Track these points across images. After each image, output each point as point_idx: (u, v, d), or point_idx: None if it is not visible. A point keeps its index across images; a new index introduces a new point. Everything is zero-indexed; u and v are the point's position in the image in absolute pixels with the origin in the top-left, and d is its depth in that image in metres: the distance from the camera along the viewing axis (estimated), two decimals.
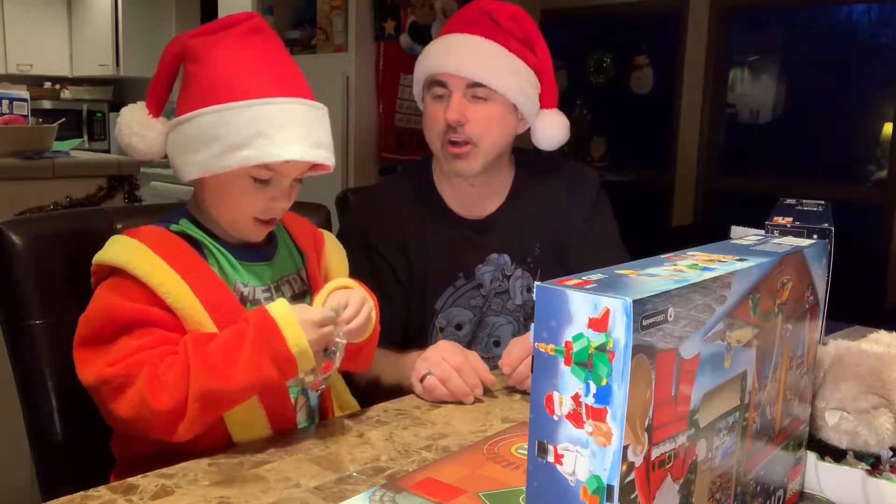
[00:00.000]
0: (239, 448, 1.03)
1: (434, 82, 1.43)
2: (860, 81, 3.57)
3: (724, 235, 0.98)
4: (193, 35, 1.10)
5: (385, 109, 3.60)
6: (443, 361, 1.22)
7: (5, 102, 2.68)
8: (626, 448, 0.54)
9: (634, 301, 0.53)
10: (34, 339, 1.12)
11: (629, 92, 4.20)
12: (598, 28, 4.40)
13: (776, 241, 0.82)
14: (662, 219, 4.02)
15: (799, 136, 3.74)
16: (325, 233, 1.30)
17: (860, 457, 0.92)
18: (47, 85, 6.06)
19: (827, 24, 3.76)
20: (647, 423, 0.56)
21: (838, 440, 0.91)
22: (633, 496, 0.56)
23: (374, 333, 1.16)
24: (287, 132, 1.05)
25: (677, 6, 3.93)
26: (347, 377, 1.30)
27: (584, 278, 0.59)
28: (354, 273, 1.28)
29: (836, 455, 0.92)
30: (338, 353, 1.05)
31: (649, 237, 2.29)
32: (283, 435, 1.08)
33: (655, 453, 0.58)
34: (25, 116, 2.72)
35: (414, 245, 1.49)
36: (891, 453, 0.92)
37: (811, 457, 0.90)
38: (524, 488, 0.59)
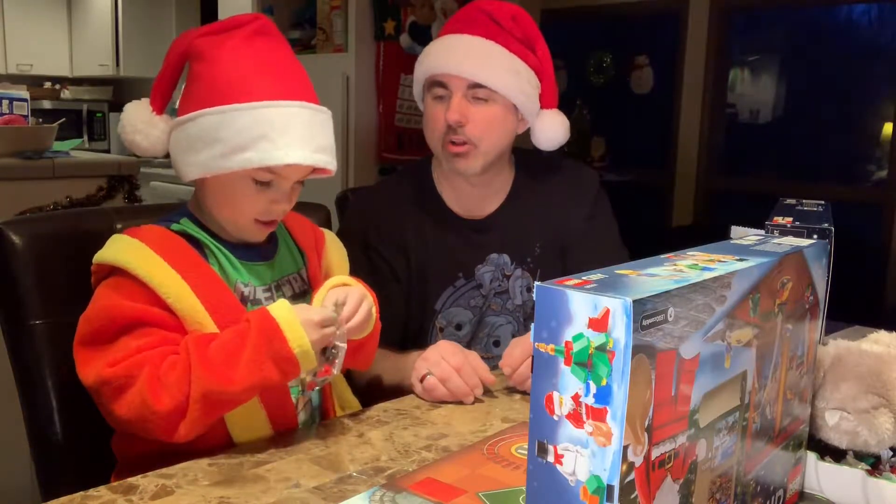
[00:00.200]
0: (239, 448, 1.03)
1: (434, 83, 1.43)
2: (860, 81, 3.57)
3: (724, 235, 0.98)
4: (200, 34, 1.10)
5: (385, 109, 3.60)
6: (443, 361, 1.22)
7: (5, 102, 2.68)
8: (626, 448, 0.55)
9: (634, 301, 0.53)
10: (34, 339, 1.11)
11: (629, 92, 4.20)
12: (598, 28, 4.40)
13: (776, 241, 0.82)
14: (662, 219, 4.02)
15: (799, 136, 3.74)
16: (326, 231, 1.30)
17: (860, 457, 0.92)
18: (47, 85, 6.05)
19: (827, 24, 3.76)
20: (647, 423, 0.56)
21: (838, 440, 0.91)
22: (633, 496, 0.56)
23: (374, 330, 1.16)
24: (290, 136, 1.04)
25: (677, 6, 3.93)
26: (348, 376, 1.30)
27: (584, 278, 0.59)
28: (354, 273, 1.28)
29: (836, 455, 0.92)
30: (339, 356, 1.05)
31: (649, 237, 2.29)
32: (283, 435, 1.08)
33: (655, 453, 0.58)
34: (25, 116, 2.72)
35: (414, 245, 1.49)
36: (891, 453, 0.92)
37: (811, 457, 0.90)
38: (524, 488, 0.59)
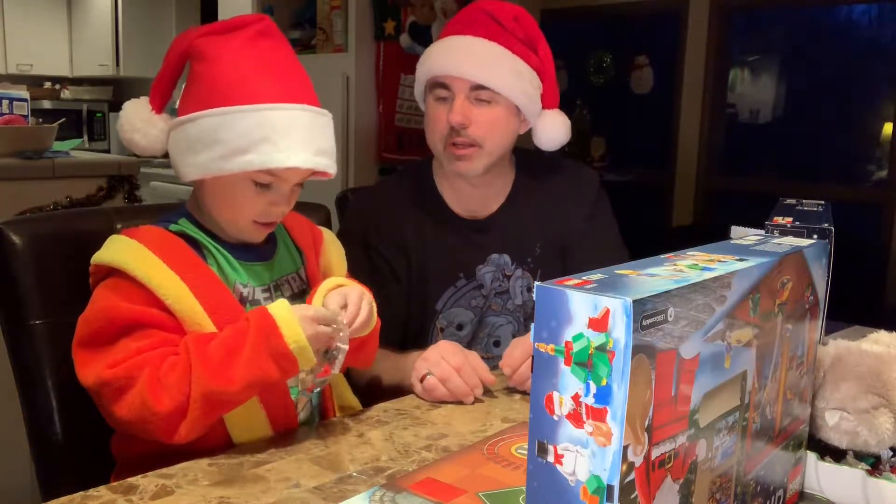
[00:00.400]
0: (239, 448, 1.03)
1: (436, 84, 1.43)
2: (860, 81, 3.57)
3: (724, 235, 0.98)
4: (201, 34, 1.09)
5: (385, 109, 3.60)
6: (443, 361, 1.22)
7: (5, 102, 2.68)
8: (626, 448, 0.55)
9: (634, 301, 0.53)
10: (34, 339, 1.12)
11: (629, 92, 4.20)
12: (598, 28, 4.40)
13: (776, 241, 0.82)
14: (662, 219, 4.02)
15: (799, 136, 3.74)
16: (324, 230, 1.30)
17: (860, 457, 0.92)
18: (47, 85, 6.06)
19: (827, 24, 3.76)
20: (647, 423, 0.56)
21: (838, 440, 0.91)
22: (633, 496, 0.56)
23: (375, 329, 1.16)
24: (290, 139, 1.04)
25: (677, 6, 3.93)
26: (348, 376, 1.30)
27: (584, 278, 0.59)
28: (354, 273, 1.28)
29: (836, 455, 0.92)
30: (339, 358, 1.05)
31: (649, 237, 2.28)
32: (283, 435, 1.08)
33: (655, 453, 0.58)
34: (25, 116, 2.72)
35: (414, 245, 1.49)
36: (891, 453, 0.92)
37: (811, 457, 0.90)
38: (524, 488, 0.59)
